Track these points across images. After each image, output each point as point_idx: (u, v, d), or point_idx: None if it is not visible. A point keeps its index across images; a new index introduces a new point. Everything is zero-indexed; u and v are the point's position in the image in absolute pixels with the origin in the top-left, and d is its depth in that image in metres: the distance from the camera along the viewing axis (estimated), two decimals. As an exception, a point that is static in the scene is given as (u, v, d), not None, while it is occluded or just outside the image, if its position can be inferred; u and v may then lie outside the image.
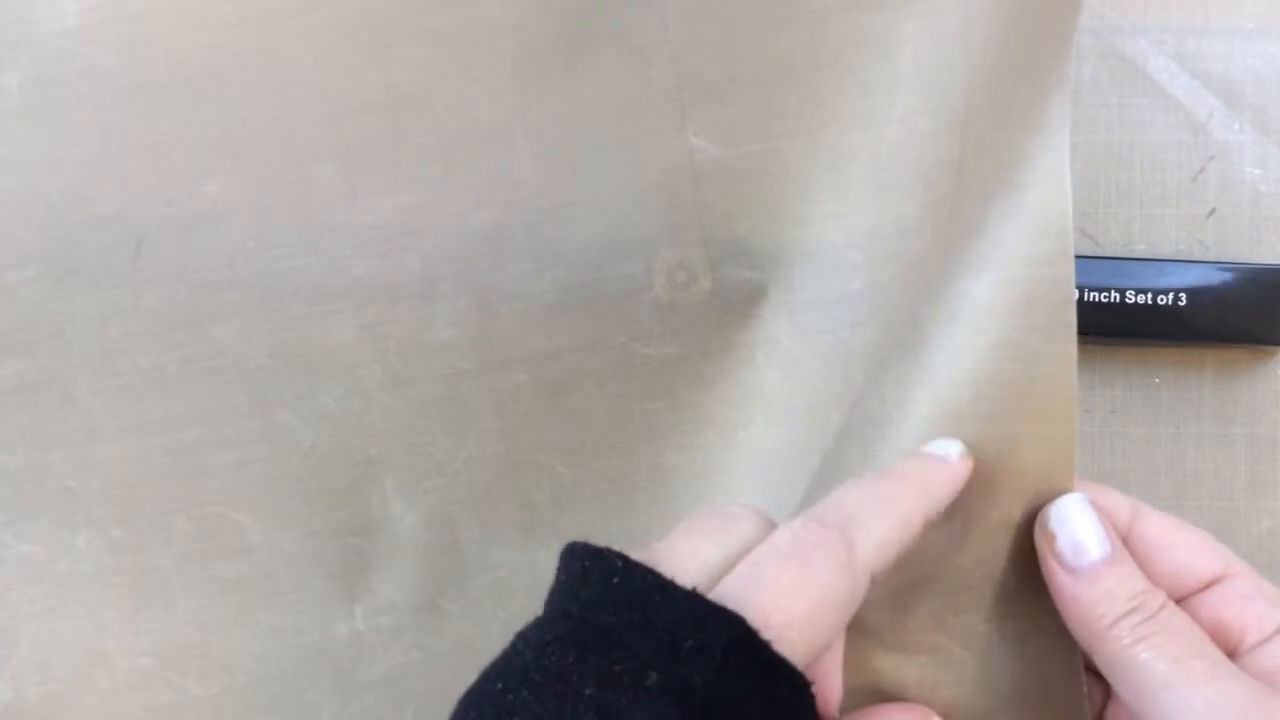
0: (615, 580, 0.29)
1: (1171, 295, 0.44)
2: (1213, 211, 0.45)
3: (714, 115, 0.40)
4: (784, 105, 0.40)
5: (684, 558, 0.30)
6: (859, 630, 0.36)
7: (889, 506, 0.31)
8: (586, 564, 0.30)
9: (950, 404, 0.34)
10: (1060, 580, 0.34)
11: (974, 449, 0.35)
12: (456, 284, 0.41)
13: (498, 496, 0.42)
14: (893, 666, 0.37)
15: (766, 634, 0.28)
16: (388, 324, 0.41)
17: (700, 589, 0.29)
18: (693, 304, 0.41)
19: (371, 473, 0.42)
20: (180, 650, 0.44)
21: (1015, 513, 0.36)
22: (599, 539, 0.41)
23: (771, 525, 0.33)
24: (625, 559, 0.30)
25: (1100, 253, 0.46)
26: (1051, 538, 0.34)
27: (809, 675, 0.29)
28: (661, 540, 0.32)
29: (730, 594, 0.29)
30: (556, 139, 0.40)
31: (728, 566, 0.30)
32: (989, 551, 0.36)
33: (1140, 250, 0.45)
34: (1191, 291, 0.44)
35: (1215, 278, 0.44)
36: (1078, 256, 0.35)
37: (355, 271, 0.41)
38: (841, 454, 0.39)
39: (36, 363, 0.42)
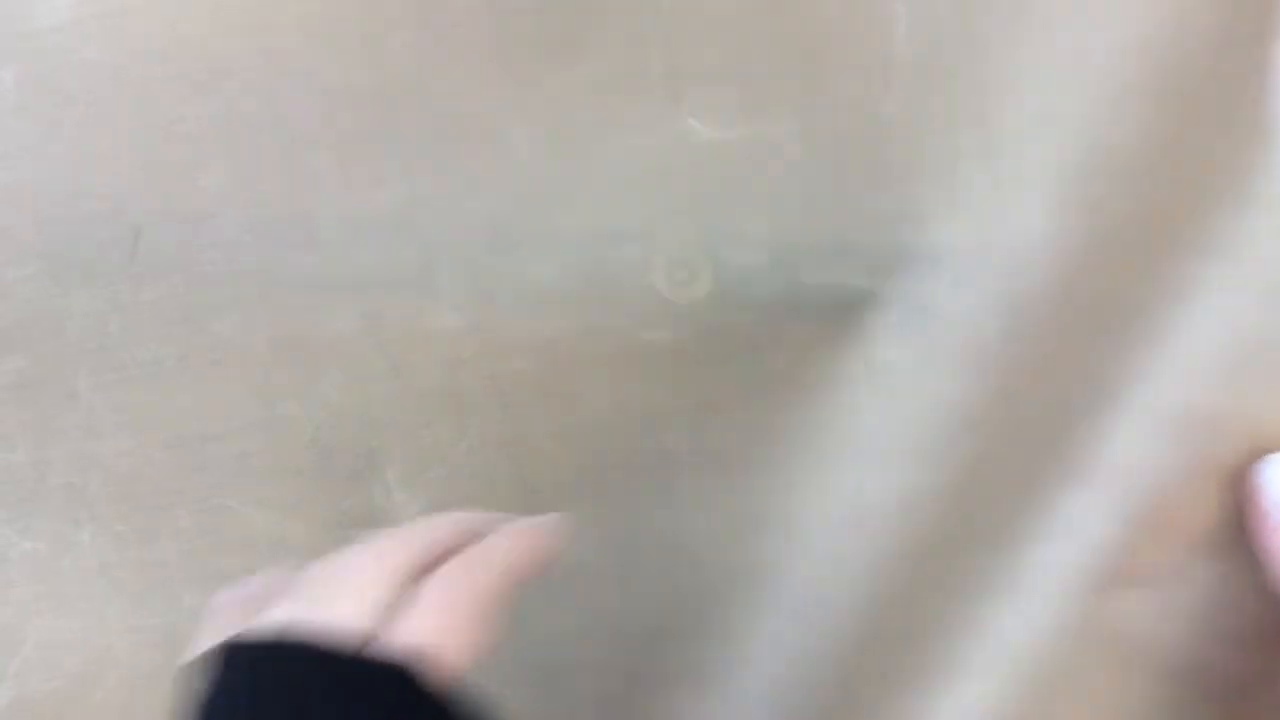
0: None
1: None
2: None
3: (710, 98, 0.40)
4: (780, 88, 0.40)
5: (348, 616, 0.30)
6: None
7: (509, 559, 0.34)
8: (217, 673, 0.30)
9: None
10: (1262, 530, 0.38)
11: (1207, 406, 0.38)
12: (455, 272, 0.41)
13: (500, 484, 0.42)
14: (1118, 602, 0.40)
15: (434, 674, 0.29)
16: (387, 313, 0.41)
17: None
18: (695, 284, 0.41)
19: (374, 463, 0.42)
20: (186, 644, 0.44)
21: (1235, 461, 0.38)
22: (603, 524, 0.42)
23: (467, 524, 0.34)
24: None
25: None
26: (1260, 489, 0.38)
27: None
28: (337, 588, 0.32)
29: (394, 645, 0.30)
30: (553, 124, 0.40)
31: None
32: (1205, 497, 0.39)
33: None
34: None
35: None
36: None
37: (353, 261, 0.41)
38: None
39: (37, 359, 0.42)
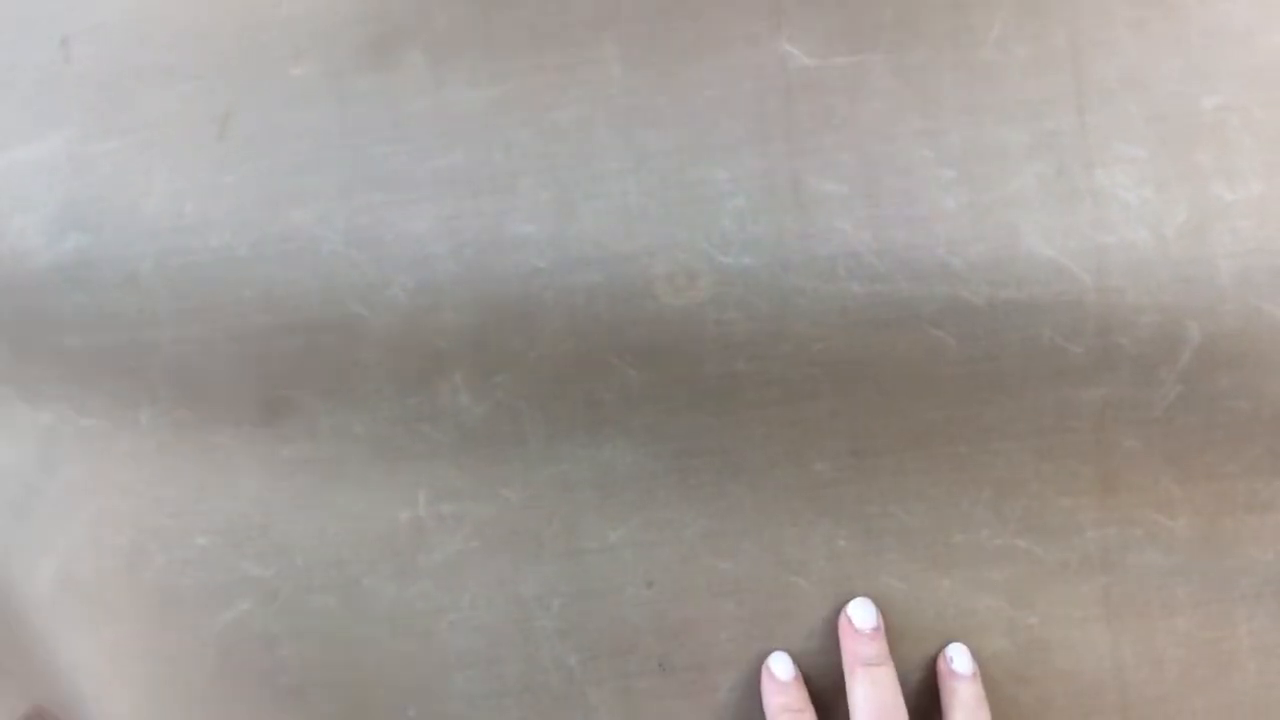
0: None
1: None
2: None
3: (808, 24, 0.40)
4: (878, 18, 0.40)
5: None
6: None
7: None
8: None
9: None
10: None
11: None
12: (538, 180, 0.41)
13: (565, 393, 0.42)
14: None
15: None
16: (466, 216, 0.41)
17: None
18: (775, 210, 0.41)
19: (441, 365, 0.42)
20: (240, 530, 0.44)
21: None
22: (665, 436, 0.42)
23: None
24: None
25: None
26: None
27: None
28: None
29: None
30: (649, 39, 0.40)
31: None
32: None
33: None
34: None
35: None
36: None
37: (438, 161, 0.41)
38: None
39: (101, 238, 0.42)
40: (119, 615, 0.44)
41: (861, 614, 0.43)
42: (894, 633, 0.43)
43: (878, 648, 0.42)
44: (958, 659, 0.43)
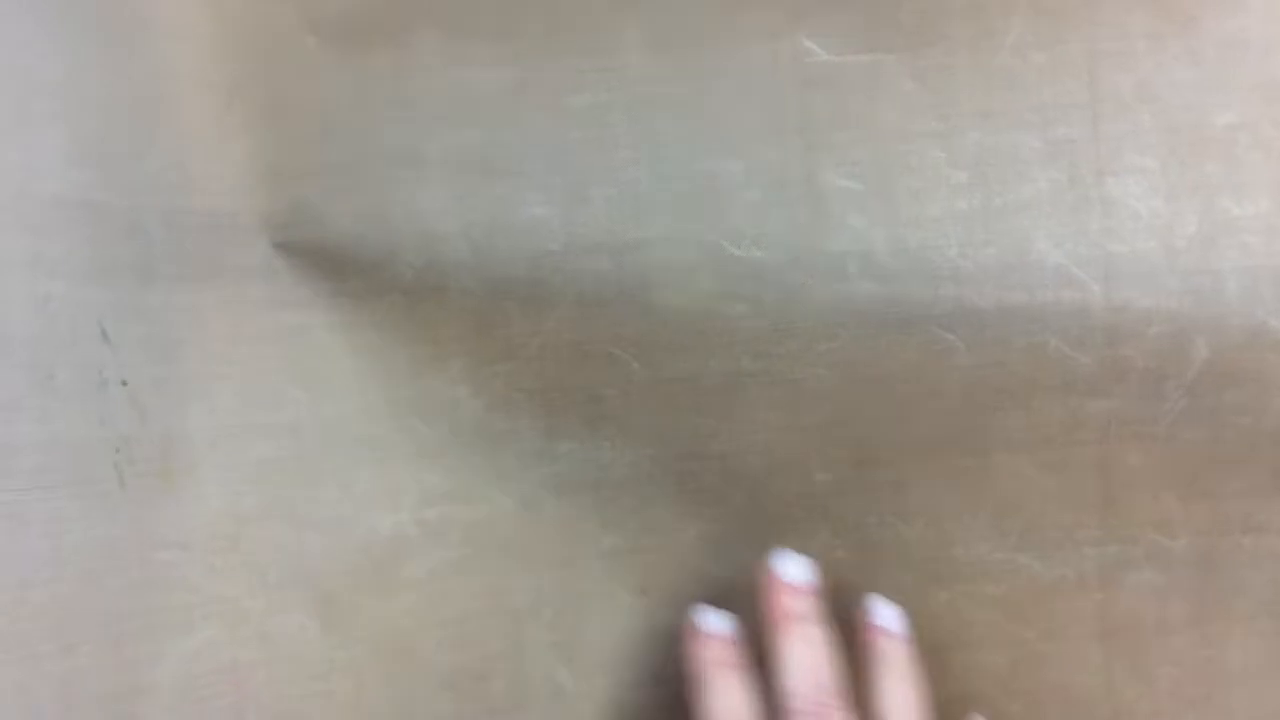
0: None
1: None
2: None
3: (827, 20, 0.40)
4: (896, 18, 0.40)
5: None
6: None
7: None
8: None
9: None
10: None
11: None
12: (551, 163, 0.41)
13: (566, 386, 0.42)
14: None
15: None
16: (478, 196, 0.41)
17: None
18: (788, 204, 0.40)
19: (440, 351, 0.41)
20: (203, 543, 0.40)
21: None
22: (665, 438, 0.41)
23: None
24: None
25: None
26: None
27: None
28: None
29: None
30: (667, 29, 0.40)
31: None
32: None
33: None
34: None
35: None
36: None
37: (448, 141, 0.41)
38: None
39: (109, 178, 0.39)
40: (65, 645, 0.39)
41: (791, 567, 0.40)
42: (888, 644, 0.43)
43: (811, 603, 0.40)
44: (881, 613, 0.40)
